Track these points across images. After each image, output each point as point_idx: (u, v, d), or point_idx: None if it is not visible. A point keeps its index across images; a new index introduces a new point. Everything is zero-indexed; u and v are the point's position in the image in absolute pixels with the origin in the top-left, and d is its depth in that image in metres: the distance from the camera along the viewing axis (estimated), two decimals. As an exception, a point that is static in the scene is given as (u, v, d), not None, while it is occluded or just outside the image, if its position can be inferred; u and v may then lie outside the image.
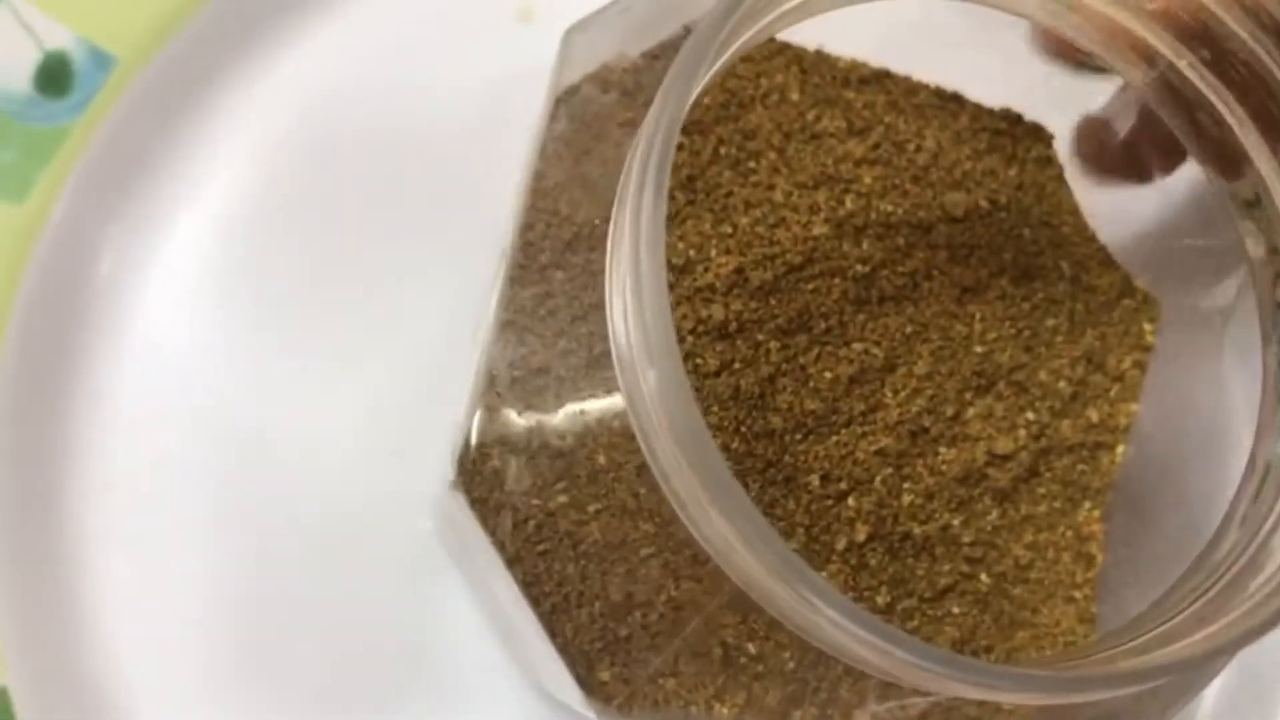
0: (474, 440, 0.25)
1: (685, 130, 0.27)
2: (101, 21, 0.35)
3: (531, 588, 0.25)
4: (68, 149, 0.34)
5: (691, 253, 0.26)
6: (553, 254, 0.26)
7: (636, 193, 0.20)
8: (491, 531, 0.25)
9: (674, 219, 0.27)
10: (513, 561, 0.25)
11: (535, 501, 0.25)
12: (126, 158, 0.35)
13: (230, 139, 0.36)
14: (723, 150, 0.28)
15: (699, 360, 0.26)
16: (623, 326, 0.21)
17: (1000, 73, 0.30)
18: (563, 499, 0.25)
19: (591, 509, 0.25)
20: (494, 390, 0.25)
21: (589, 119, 0.26)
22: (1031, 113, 0.31)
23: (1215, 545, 0.24)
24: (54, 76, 0.34)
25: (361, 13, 0.37)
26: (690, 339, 0.26)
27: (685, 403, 0.19)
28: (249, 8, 0.36)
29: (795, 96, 0.29)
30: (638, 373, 0.20)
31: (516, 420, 0.25)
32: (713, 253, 0.26)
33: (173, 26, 0.35)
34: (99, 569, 0.34)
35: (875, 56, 0.30)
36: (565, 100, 0.26)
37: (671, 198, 0.27)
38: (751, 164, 0.28)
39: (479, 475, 0.25)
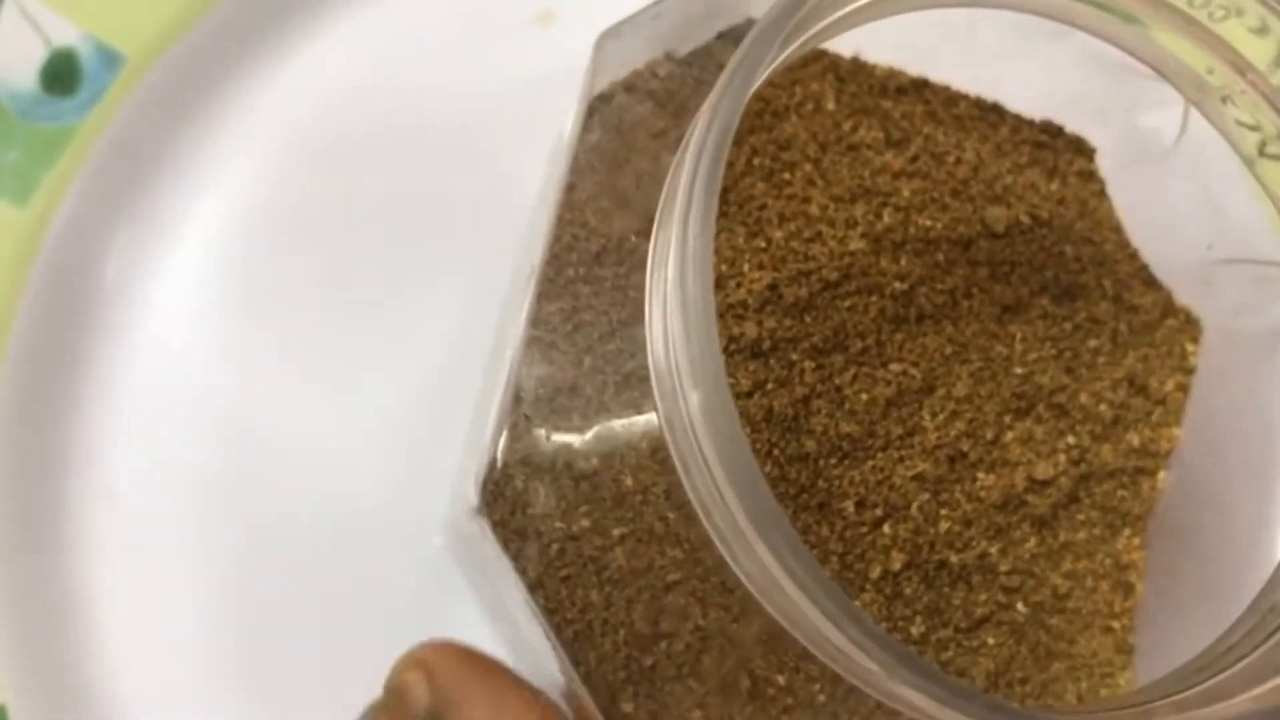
0: (499, 461, 0.24)
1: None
2: (110, 19, 0.34)
3: (554, 615, 0.24)
4: (74, 149, 0.33)
5: (724, 267, 0.25)
6: (580, 268, 0.25)
7: (683, 210, 0.19)
8: (514, 556, 0.24)
9: (706, 232, 0.26)
10: (535, 587, 0.24)
11: (559, 525, 0.24)
12: (134, 159, 0.34)
13: (240, 141, 0.35)
14: (756, 161, 0.27)
15: (731, 380, 0.25)
16: (663, 348, 0.20)
17: (1042, 84, 0.29)
18: (585, 523, 0.24)
19: (616, 533, 0.24)
20: (520, 409, 0.24)
21: (623, 129, 0.25)
22: (1073, 125, 0.30)
23: (1269, 593, 0.23)
24: (61, 75, 0.33)
25: (375, 14, 0.36)
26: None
27: (732, 431, 0.18)
28: (261, 8, 0.35)
29: (831, 106, 0.28)
30: (678, 397, 0.19)
31: (542, 440, 0.24)
32: (745, 267, 0.25)
33: (183, 25, 0.34)
34: (100, 580, 0.33)
35: (914, 65, 0.29)
36: (598, 108, 0.25)
37: (704, 210, 0.26)
38: (786, 175, 0.27)
39: (502, 497, 0.24)
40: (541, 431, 0.24)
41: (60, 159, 0.33)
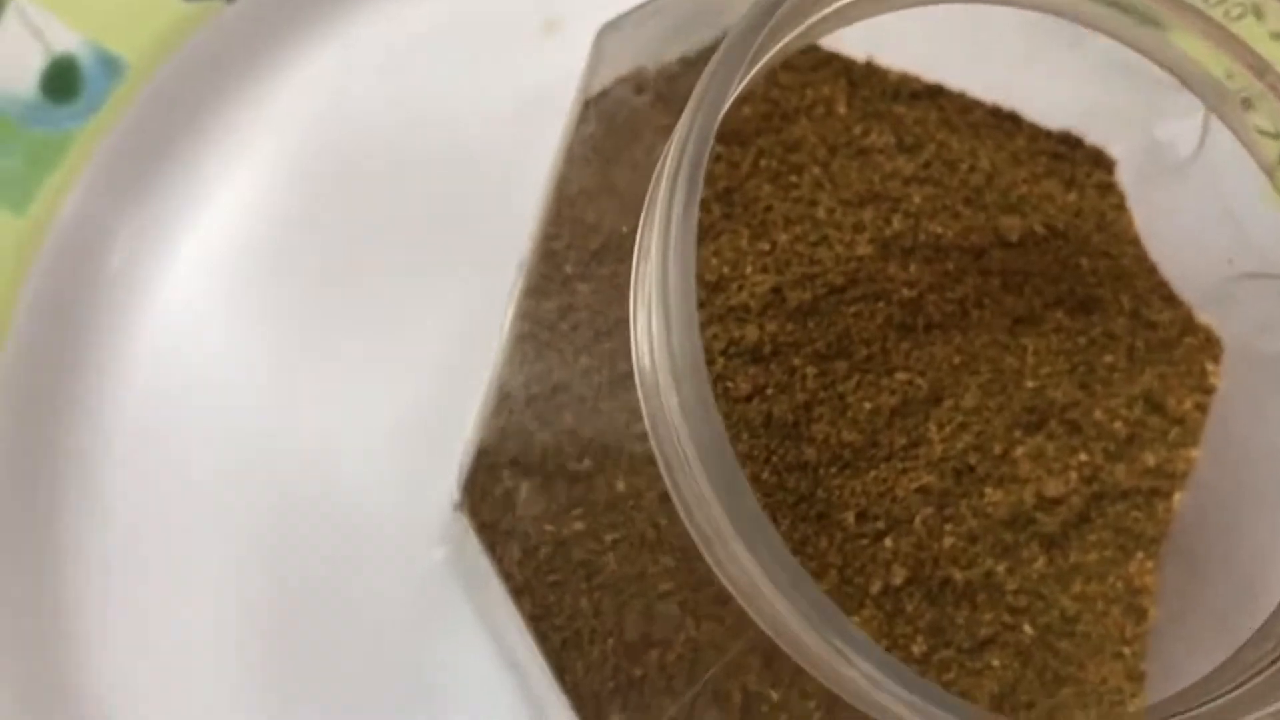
0: (485, 460, 0.23)
1: (724, 140, 0.26)
2: (111, 24, 0.33)
3: (540, 621, 0.24)
4: (73, 156, 0.33)
5: (726, 269, 0.25)
6: (577, 265, 0.24)
7: (666, 200, 0.18)
8: (499, 559, 0.23)
9: (709, 233, 0.25)
10: (520, 592, 0.24)
11: (548, 528, 0.24)
12: (135, 166, 0.34)
13: (245, 147, 0.34)
14: (763, 163, 0.26)
15: (729, 384, 0.24)
16: (647, 345, 0.19)
17: (1061, 94, 0.29)
18: (579, 526, 0.24)
19: (608, 539, 0.24)
20: (507, 407, 0.23)
21: (620, 123, 0.24)
22: (1093, 136, 0.29)
23: (1280, 616, 0.22)
24: (61, 81, 0.33)
25: (380, 21, 0.35)
26: (721, 361, 0.24)
27: (713, 431, 0.17)
28: (266, 12, 0.34)
29: (842, 109, 0.27)
30: (661, 396, 0.19)
31: (531, 440, 0.24)
32: (749, 270, 0.25)
33: (185, 31, 0.34)
34: (98, 592, 0.32)
35: (929, 71, 0.28)
36: (596, 103, 0.25)
37: (707, 210, 0.25)
38: (794, 178, 0.26)
39: (488, 498, 0.23)
40: (532, 430, 0.23)
41: (60, 166, 0.33)
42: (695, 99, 0.19)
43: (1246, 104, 0.23)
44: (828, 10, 0.21)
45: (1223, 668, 0.22)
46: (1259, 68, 0.22)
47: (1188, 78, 0.24)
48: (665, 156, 0.20)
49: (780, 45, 0.20)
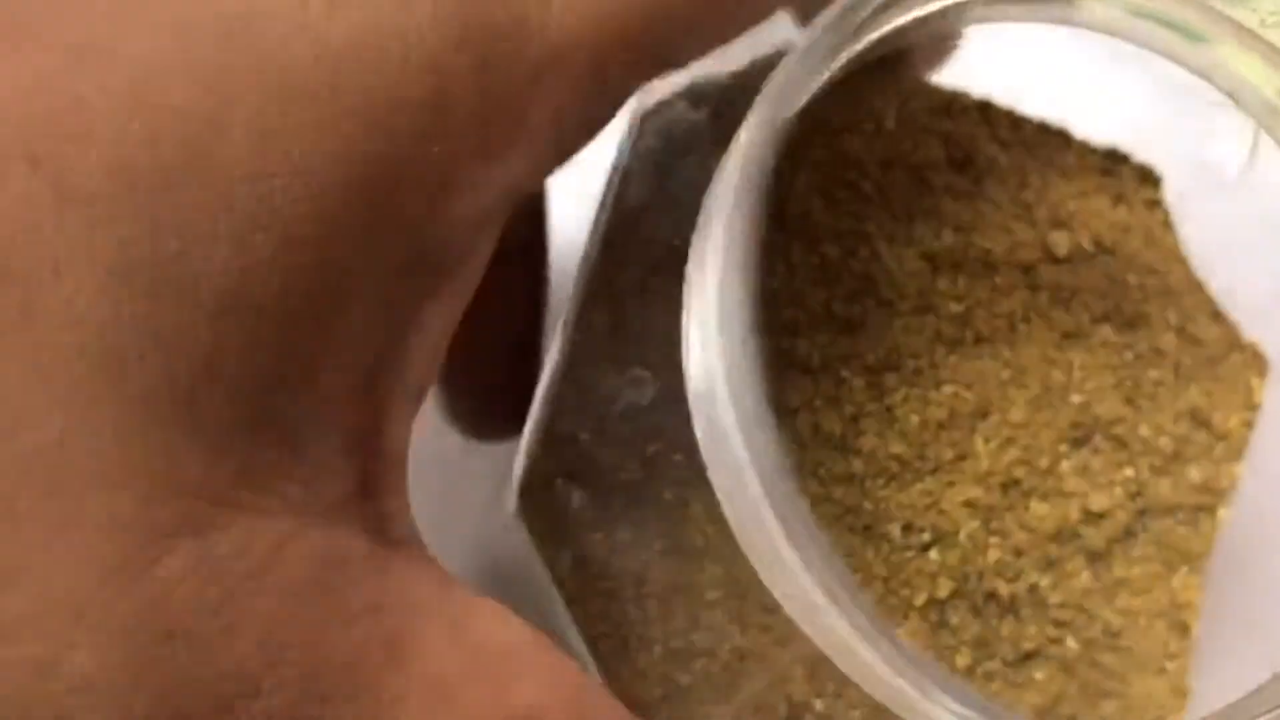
0: (537, 469, 0.24)
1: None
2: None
3: (589, 628, 0.24)
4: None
5: (776, 283, 0.25)
6: (632, 277, 0.24)
7: (726, 215, 0.18)
8: (550, 566, 0.24)
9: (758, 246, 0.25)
10: (572, 600, 0.24)
11: (597, 536, 0.24)
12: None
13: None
14: (814, 177, 0.26)
15: (778, 397, 0.24)
16: (699, 357, 0.20)
17: (1109, 110, 0.29)
18: (625, 535, 0.24)
19: (656, 547, 0.24)
20: (560, 416, 0.24)
21: (677, 136, 0.24)
22: (1141, 152, 0.29)
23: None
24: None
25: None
26: (770, 373, 0.24)
27: (772, 447, 0.17)
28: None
29: (891, 125, 0.27)
30: (717, 410, 0.19)
31: (582, 450, 0.24)
32: (798, 283, 0.25)
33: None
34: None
35: (977, 86, 0.28)
36: (651, 116, 0.25)
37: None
38: (843, 192, 0.26)
39: (541, 506, 0.24)
40: (583, 440, 0.24)
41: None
42: (756, 111, 0.19)
43: (1298, 123, 0.23)
44: (888, 29, 0.21)
45: (1265, 687, 0.22)
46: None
47: (1237, 95, 0.24)
48: (721, 169, 0.20)
49: (837, 63, 0.21)
